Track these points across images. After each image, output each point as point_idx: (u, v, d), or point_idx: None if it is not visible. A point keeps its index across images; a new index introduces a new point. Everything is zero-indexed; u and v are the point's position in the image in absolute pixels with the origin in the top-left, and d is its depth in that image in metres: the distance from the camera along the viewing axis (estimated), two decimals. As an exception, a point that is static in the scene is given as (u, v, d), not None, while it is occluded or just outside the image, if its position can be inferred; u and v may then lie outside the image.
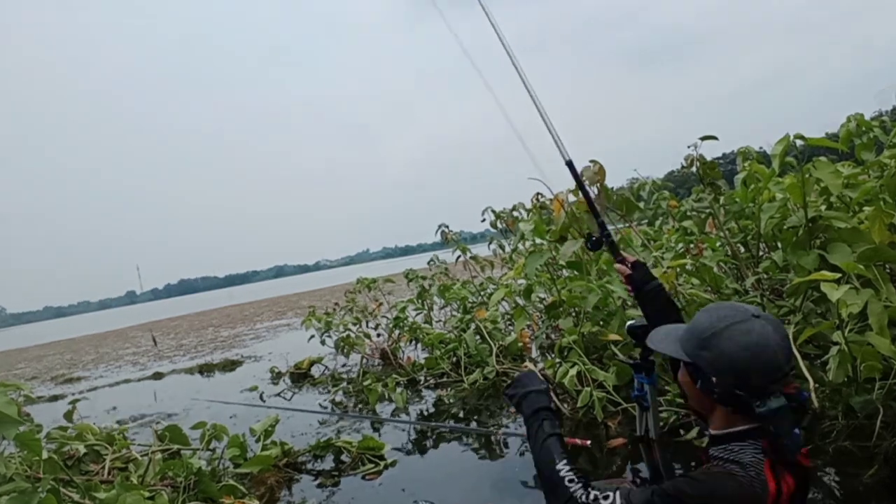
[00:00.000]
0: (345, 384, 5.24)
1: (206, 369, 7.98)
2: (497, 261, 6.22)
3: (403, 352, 5.87)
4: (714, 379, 1.00)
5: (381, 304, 6.69)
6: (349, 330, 6.21)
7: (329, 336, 6.34)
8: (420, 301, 6.37)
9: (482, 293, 6.09)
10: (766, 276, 2.97)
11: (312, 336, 6.47)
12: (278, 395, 5.48)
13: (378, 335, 6.21)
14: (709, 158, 3.04)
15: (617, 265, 1.61)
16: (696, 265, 3.06)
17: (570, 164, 1.65)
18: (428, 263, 6.95)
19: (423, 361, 5.17)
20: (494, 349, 4.59)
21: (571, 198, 2.86)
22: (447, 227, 5.94)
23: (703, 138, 2.90)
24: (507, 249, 5.69)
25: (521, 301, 4.52)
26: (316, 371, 6.23)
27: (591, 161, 2.59)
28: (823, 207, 2.50)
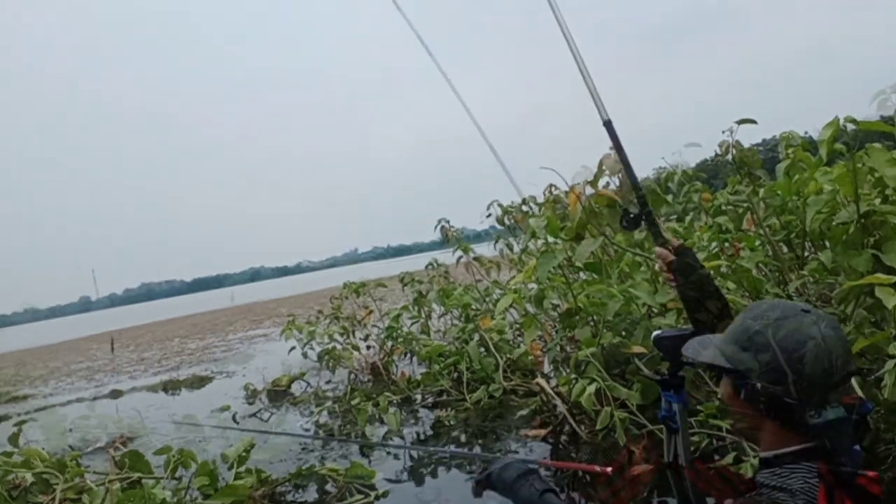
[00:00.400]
0: (330, 403, 5.23)
1: (171, 386, 7.99)
2: (504, 262, 6.22)
3: (397, 366, 5.87)
4: (759, 386, 0.99)
5: (371, 311, 6.70)
6: (335, 341, 6.21)
7: (312, 348, 6.34)
8: (416, 308, 6.37)
9: (487, 299, 6.09)
10: (812, 279, 2.98)
11: (293, 348, 6.47)
12: (254, 415, 5.48)
13: (368, 347, 6.21)
14: (747, 145, 3.05)
15: (658, 249, 1.58)
16: (732, 267, 3.06)
17: (608, 125, 1.63)
18: (426, 267, 6.96)
19: (419, 377, 5.17)
20: (501, 363, 4.59)
21: (589, 190, 2.87)
22: (447, 221, 5.95)
23: (741, 122, 2.90)
24: (516, 249, 5.69)
25: (531, 308, 4.52)
26: (297, 388, 6.23)
27: (612, 148, 2.59)
28: (878, 201, 2.50)
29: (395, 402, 4.70)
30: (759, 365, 0.98)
